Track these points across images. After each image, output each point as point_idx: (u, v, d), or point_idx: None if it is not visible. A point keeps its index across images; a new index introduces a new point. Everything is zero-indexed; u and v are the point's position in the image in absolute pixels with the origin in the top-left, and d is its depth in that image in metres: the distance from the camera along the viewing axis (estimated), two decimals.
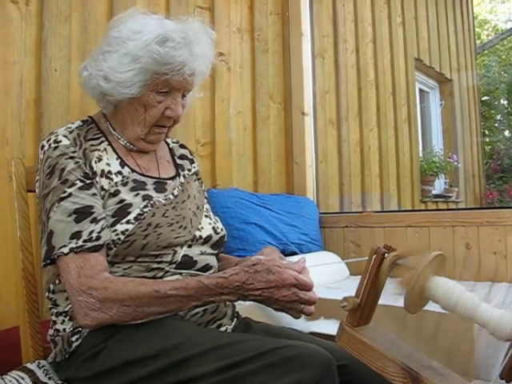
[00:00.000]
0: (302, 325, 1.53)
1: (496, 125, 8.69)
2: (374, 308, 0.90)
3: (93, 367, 1.04)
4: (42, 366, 1.17)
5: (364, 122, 4.14)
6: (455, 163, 5.78)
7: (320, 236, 3.02)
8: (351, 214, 3.43)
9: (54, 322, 1.15)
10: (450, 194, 5.77)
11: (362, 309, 0.88)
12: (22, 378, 1.12)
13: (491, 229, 2.46)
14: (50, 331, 1.16)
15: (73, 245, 1.07)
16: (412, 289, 0.80)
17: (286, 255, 2.67)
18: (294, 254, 2.72)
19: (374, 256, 0.86)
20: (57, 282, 1.14)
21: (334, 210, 3.63)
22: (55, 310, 1.15)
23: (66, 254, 1.06)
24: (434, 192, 5.46)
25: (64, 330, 1.12)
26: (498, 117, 8.72)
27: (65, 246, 1.07)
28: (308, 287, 1.05)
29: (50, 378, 1.13)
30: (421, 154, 5.36)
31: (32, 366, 1.17)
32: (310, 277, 1.09)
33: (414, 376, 0.80)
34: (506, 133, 8.68)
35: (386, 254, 0.85)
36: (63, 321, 1.12)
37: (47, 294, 1.17)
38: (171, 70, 1.16)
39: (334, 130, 3.73)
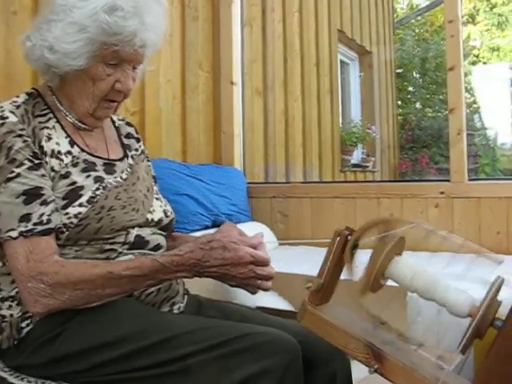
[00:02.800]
0: (249, 300, 1.55)
1: (408, 96, 9.05)
2: (334, 288, 0.93)
3: (49, 353, 1.01)
4: None
5: (289, 91, 4.17)
6: (373, 134, 5.99)
7: (248, 206, 3.04)
8: (279, 184, 3.49)
9: None
10: (367, 164, 5.99)
11: (324, 289, 0.90)
12: None
13: (414, 201, 2.58)
14: None
15: (22, 228, 1.01)
16: (375, 272, 0.83)
17: (217, 226, 2.67)
18: None
19: (338, 238, 0.88)
20: (0, 264, 1.08)
21: (260, 179, 3.65)
22: None
23: (15, 238, 1.01)
24: (352, 162, 5.64)
25: (11, 315, 1.06)
26: (411, 89, 9.09)
27: (13, 229, 1.01)
28: (265, 263, 1.06)
29: None
30: (340, 125, 5.50)
31: None
32: (266, 251, 1.10)
33: (376, 351, 0.84)
34: (418, 104, 9.07)
35: (349, 237, 0.88)
36: (10, 306, 1.07)
37: None
38: (121, 40, 1.10)
39: (260, 99, 3.73)
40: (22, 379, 1.03)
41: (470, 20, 9.83)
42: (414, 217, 2.56)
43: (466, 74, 9.43)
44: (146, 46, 1.16)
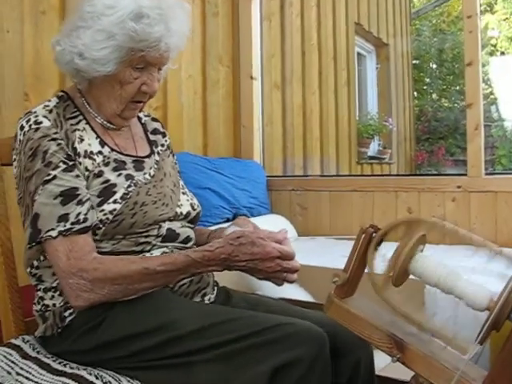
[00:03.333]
0: (271, 292, 1.61)
1: (425, 87, 9.03)
2: (359, 282, 0.98)
3: (91, 340, 1.08)
4: (28, 341, 1.19)
5: (307, 85, 4.21)
6: (390, 126, 6.01)
7: (267, 199, 3.10)
8: (298, 177, 3.54)
9: (42, 298, 1.16)
10: (384, 156, 6.01)
11: (349, 283, 0.96)
12: (10, 354, 1.13)
13: (431, 195, 2.62)
14: (37, 306, 1.17)
15: (61, 228, 1.07)
16: (399, 268, 0.89)
17: None
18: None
19: (363, 236, 0.94)
20: (41, 258, 1.15)
21: (278, 172, 3.71)
22: (42, 286, 1.16)
23: (55, 238, 1.07)
24: (368, 154, 5.67)
25: (54, 305, 1.14)
26: (427, 80, 9.06)
27: (53, 229, 1.07)
28: (291, 257, 1.12)
29: (38, 353, 1.15)
30: (357, 117, 5.53)
31: (17, 342, 1.18)
32: (291, 246, 1.15)
33: (399, 342, 0.89)
34: (434, 95, 9.05)
35: (374, 234, 0.93)
36: (52, 296, 1.14)
37: (29, 269, 1.18)
38: (147, 46, 1.15)
39: (278, 93, 3.78)
40: (64, 365, 1.10)
41: (488, 9, 9.73)
42: (432, 210, 2.60)
43: (483, 65, 9.36)
44: (171, 50, 1.21)
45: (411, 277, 0.94)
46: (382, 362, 1.23)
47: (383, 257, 0.93)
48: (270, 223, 2.83)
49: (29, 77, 2.03)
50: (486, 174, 2.53)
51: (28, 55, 2.02)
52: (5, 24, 1.95)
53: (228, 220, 2.67)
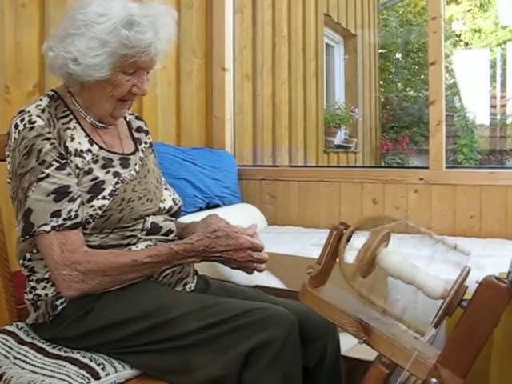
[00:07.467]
0: (244, 280, 1.72)
1: (390, 76, 9.22)
2: (330, 272, 1.10)
3: (81, 327, 1.17)
4: (21, 328, 1.27)
5: (277, 76, 4.30)
6: (357, 116, 6.16)
7: (239, 188, 3.20)
8: (268, 167, 3.64)
9: (34, 288, 1.24)
10: (350, 145, 6.16)
11: (322, 273, 1.07)
12: (6, 340, 1.22)
13: (395, 186, 2.77)
14: (29, 296, 1.25)
15: (54, 223, 1.15)
16: (365, 262, 1.00)
17: (211, 208, 2.84)
18: (218, 206, 2.89)
19: (335, 232, 1.05)
20: (34, 250, 1.23)
21: (248, 161, 3.79)
22: (34, 277, 1.24)
23: (48, 232, 1.15)
24: (335, 143, 5.81)
25: (46, 294, 1.22)
26: (393, 70, 9.25)
27: (46, 224, 1.15)
28: (260, 249, 1.25)
29: (32, 338, 1.24)
30: (325, 107, 5.66)
31: (12, 328, 1.27)
32: (260, 239, 1.27)
33: (365, 326, 1.01)
34: (399, 85, 9.25)
35: (344, 231, 1.05)
36: (45, 286, 1.22)
37: (22, 261, 1.26)
38: (138, 52, 1.22)
39: (249, 84, 3.86)
40: (59, 349, 1.19)
41: None
42: (395, 201, 2.75)
43: (446, 56, 9.59)
44: (159, 54, 1.30)
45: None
46: (348, 344, 1.36)
47: (351, 246, 1.05)
48: (242, 212, 2.94)
49: (9, 69, 2.06)
50: (447, 167, 2.68)
51: (9, 48, 2.05)
52: None
53: (201, 209, 2.76)
